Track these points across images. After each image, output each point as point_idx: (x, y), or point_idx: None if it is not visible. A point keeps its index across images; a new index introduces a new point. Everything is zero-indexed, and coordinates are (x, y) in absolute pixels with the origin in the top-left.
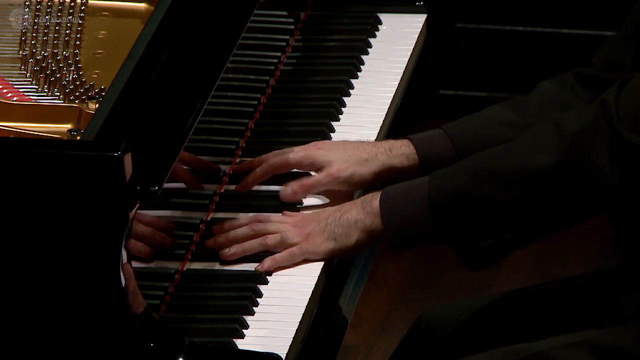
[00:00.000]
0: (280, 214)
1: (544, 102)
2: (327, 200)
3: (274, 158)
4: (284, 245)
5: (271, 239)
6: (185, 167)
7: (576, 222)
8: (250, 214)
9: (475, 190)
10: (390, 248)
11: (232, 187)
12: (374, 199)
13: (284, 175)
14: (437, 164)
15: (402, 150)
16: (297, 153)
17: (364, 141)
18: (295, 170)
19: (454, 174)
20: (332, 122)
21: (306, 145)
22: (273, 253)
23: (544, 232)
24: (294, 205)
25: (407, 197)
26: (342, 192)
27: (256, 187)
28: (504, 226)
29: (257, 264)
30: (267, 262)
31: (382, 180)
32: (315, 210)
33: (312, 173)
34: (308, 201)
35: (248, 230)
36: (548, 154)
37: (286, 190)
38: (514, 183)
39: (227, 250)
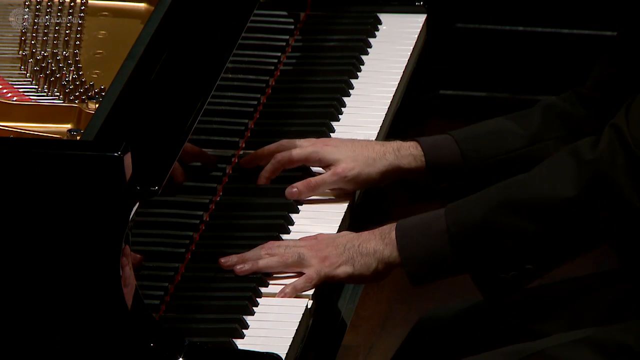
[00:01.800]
0: (290, 235)
1: (546, 114)
2: (332, 197)
3: (282, 155)
4: (301, 264)
5: (289, 257)
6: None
7: (598, 246)
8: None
9: (495, 221)
10: None
11: (232, 186)
12: (391, 231)
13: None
14: (443, 168)
15: (410, 151)
16: (304, 149)
17: (372, 140)
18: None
19: (471, 205)
20: (332, 122)
21: (314, 142)
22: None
23: (565, 259)
24: (297, 203)
25: (423, 231)
26: (344, 189)
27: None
28: (526, 257)
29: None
30: (287, 291)
31: (389, 180)
32: (330, 235)
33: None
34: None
35: (263, 252)
36: (568, 182)
37: (292, 189)
38: (535, 213)
39: (241, 265)
